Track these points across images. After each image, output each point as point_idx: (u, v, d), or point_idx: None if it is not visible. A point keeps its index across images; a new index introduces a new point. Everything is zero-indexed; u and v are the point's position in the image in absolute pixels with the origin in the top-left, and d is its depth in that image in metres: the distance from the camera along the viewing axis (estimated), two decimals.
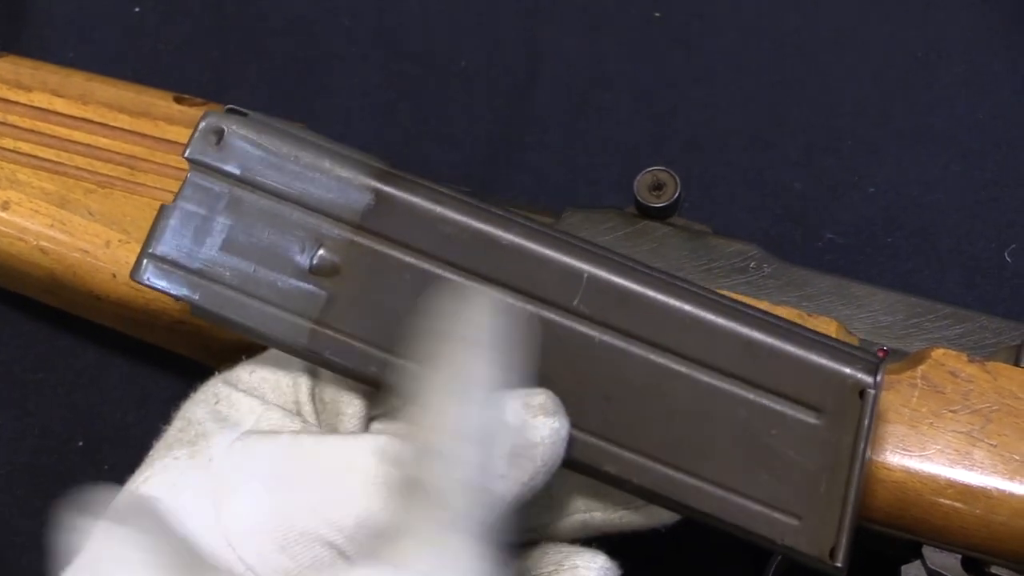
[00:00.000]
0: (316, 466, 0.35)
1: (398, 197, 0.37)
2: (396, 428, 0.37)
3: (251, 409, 0.37)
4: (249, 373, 0.39)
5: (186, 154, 0.39)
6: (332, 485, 0.34)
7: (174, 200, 0.39)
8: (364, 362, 0.36)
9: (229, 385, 0.39)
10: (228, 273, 0.38)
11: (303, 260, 0.37)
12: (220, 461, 0.36)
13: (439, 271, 0.37)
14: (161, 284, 0.39)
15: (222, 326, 0.38)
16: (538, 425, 0.34)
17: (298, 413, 0.38)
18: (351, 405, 0.38)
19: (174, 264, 0.38)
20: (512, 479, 0.33)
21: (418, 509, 0.31)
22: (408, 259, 0.37)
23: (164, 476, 0.36)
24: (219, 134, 0.38)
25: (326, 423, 0.38)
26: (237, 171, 0.38)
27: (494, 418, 0.33)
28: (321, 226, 0.37)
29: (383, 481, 0.34)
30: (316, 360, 0.37)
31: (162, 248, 0.39)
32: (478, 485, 0.32)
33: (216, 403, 0.38)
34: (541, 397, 0.34)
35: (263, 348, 0.47)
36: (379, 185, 0.37)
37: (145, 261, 0.39)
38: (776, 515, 0.36)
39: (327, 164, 0.38)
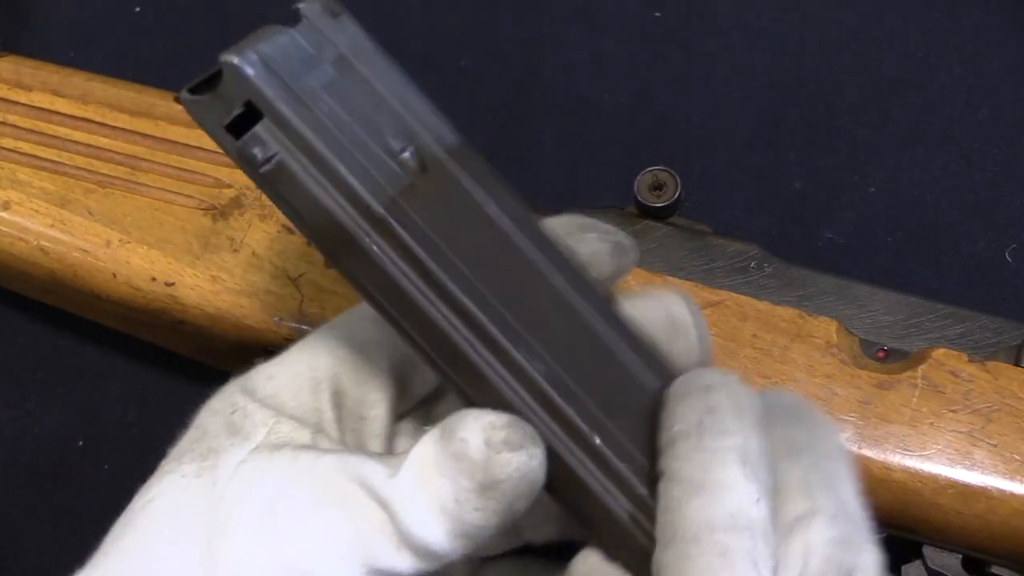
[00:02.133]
0: (313, 492, 0.34)
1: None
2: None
3: (264, 421, 0.36)
4: (267, 379, 0.37)
5: (302, 5, 0.35)
6: (328, 516, 0.33)
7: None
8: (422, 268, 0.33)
9: (246, 394, 0.37)
10: (326, 109, 0.33)
11: (395, 144, 0.34)
12: (223, 485, 0.34)
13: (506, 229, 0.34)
14: (257, 81, 0.32)
15: (305, 157, 0.33)
16: (502, 462, 0.32)
17: (317, 422, 0.37)
18: (375, 407, 0.37)
19: (275, 72, 0.33)
20: (489, 510, 0.32)
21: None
22: (483, 209, 0.34)
23: (168, 499, 0.35)
24: (335, 15, 0.36)
25: (350, 428, 0.37)
26: (347, 51, 0.35)
27: (458, 453, 0.32)
28: (417, 130, 0.34)
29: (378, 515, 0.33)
30: (383, 232, 0.33)
31: (269, 51, 0.33)
32: (455, 515, 0.32)
33: (232, 413, 0.36)
34: (503, 432, 0.32)
35: (262, 349, 0.48)
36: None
37: (248, 51, 0.32)
38: None
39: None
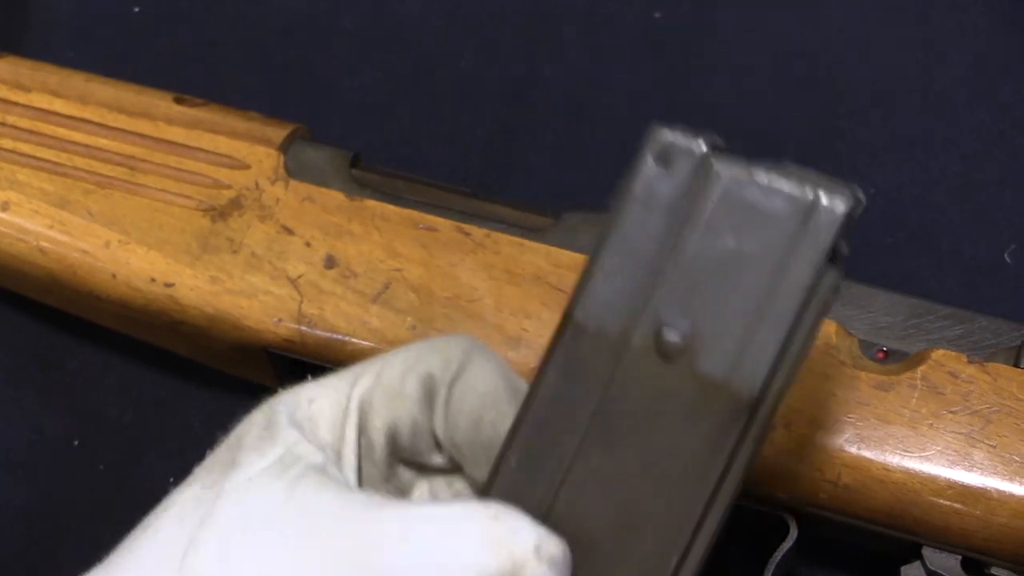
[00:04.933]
0: (299, 520, 0.33)
1: None
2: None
3: (285, 441, 0.35)
4: (309, 402, 0.36)
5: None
6: (304, 547, 0.32)
7: None
8: None
9: (285, 410, 0.36)
10: None
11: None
12: (221, 501, 0.33)
13: None
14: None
15: None
16: (539, 572, 0.31)
17: (339, 449, 0.36)
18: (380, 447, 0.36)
19: None
20: None
21: None
22: None
23: (181, 508, 0.34)
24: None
25: (366, 456, 0.36)
26: None
27: (502, 539, 0.31)
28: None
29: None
30: None
31: None
32: None
33: (265, 427, 0.35)
34: (557, 550, 0.32)
35: (261, 350, 0.48)
36: None
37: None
38: None
39: None
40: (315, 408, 0.36)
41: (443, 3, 0.66)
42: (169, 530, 0.33)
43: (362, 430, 0.36)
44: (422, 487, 0.39)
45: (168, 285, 0.47)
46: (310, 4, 0.66)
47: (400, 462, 0.38)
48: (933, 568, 0.44)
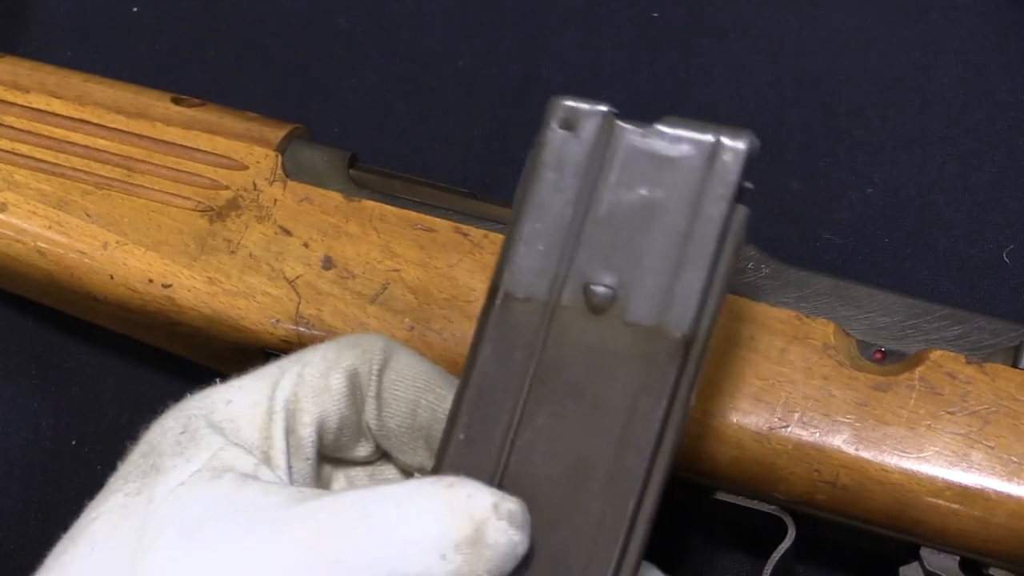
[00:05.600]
0: (244, 518, 0.32)
1: None
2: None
3: (210, 445, 0.35)
4: (226, 404, 0.37)
5: None
6: (253, 543, 0.32)
7: None
8: None
9: (200, 415, 0.36)
10: None
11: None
12: (157, 506, 0.33)
13: None
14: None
15: None
16: (500, 528, 0.32)
17: (266, 451, 0.36)
18: (309, 441, 0.37)
19: None
20: (453, 564, 0.32)
21: None
22: None
23: (109, 517, 0.34)
24: None
25: (298, 459, 0.37)
26: None
27: (459, 505, 0.32)
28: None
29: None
30: None
31: None
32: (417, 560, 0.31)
33: (181, 433, 0.36)
34: (515, 505, 0.32)
35: (260, 351, 0.47)
36: None
37: None
38: None
39: None
40: (234, 410, 0.36)
41: (441, 3, 0.66)
42: (106, 540, 0.34)
43: (290, 430, 0.36)
44: (339, 480, 0.40)
45: (166, 286, 0.47)
46: (308, 4, 0.66)
47: (321, 458, 0.38)
48: (931, 569, 0.44)
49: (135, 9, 0.66)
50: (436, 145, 0.62)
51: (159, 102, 0.51)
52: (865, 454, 0.43)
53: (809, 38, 0.63)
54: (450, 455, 0.34)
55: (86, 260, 0.48)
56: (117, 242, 0.48)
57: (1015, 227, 0.57)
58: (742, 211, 0.34)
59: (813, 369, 0.44)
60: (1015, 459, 0.42)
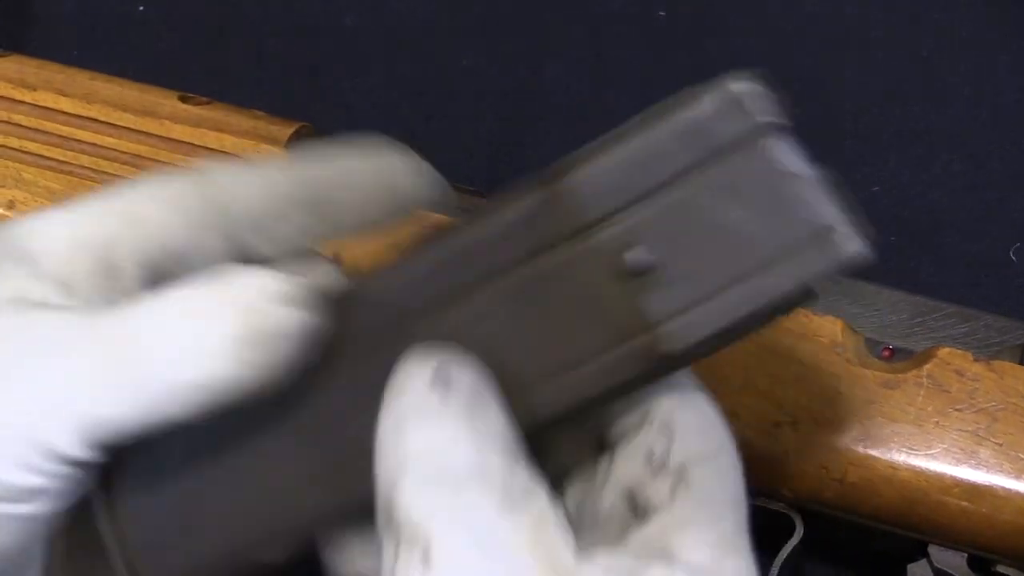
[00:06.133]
0: (26, 343, 0.31)
1: None
2: None
3: (7, 277, 0.33)
4: (28, 233, 0.34)
5: None
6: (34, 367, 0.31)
7: None
8: None
9: (4, 247, 0.34)
10: None
11: None
12: None
13: None
14: None
15: None
16: (280, 313, 0.31)
17: (68, 282, 0.34)
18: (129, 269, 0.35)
19: None
20: (251, 364, 0.31)
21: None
22: None
23: None
24: None
25: (113, 288, 0.35)
26: None
27: (232, 298, 0.31)
28: None
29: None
30: None
31: None
32: (210, 362, 0.31)
33: None
34: (292, 285, 0.32)
35: None
36: None
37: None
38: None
39: None
40: (37, 240, 0.34)
41: (447, 2, 0.66)
42: None
43: (108, 262, 0.34)
44: None
45: None
46: (314, 3, 0.66)
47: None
48: (939, 566, 0.44)
49: (141, 8, 0.66)
50: (441, 144, 0.62)
51: (166, 100, 0.51)
52: (873, 451, 0.43)
53: (813, 37, 0.63)
54: (390, 274, 0.34)
55: None
56: None
57: (1022, 224, 0.57)
58: (806, 299, 0.32)
59: (821, 366, 0.44)
60: (1023, 456, 0.42)
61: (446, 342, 0.33)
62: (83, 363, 0.31)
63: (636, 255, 0.31)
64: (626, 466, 0.33)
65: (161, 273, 0.35)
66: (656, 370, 0.32)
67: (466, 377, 0.32)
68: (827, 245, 0.30)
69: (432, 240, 0.34)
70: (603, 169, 0.32)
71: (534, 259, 0.32)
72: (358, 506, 0.33)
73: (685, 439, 0.32)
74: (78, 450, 0.31)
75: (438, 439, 0.30)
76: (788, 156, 0.32)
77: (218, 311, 0.31)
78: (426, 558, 0.29)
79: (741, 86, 0.33)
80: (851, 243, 0.30)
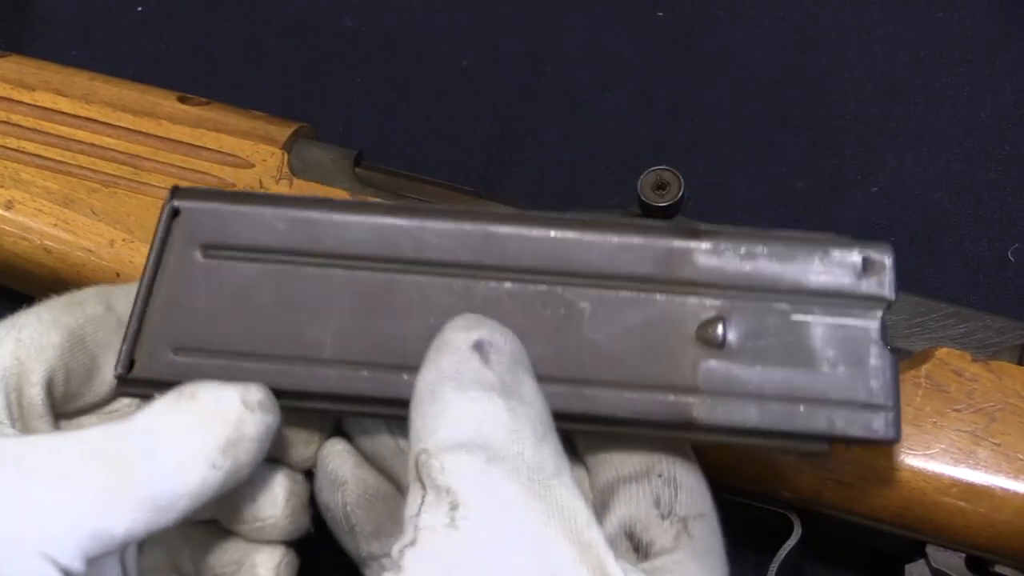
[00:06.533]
0: (22, 470, 0.33)
1: None
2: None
3: None
4: None
5: None
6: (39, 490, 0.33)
7: None
8: None
9: None
10: None
11: None
12: None
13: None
14: None
15: None
16: (255, 420, 0.35)
17: None
18: (37, 396, 0.37)
19: None
20: (224, 469, 0.34)
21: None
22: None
23: None
24: None
25: (29, 415, 0.37)
26: None
27: (208, 412, 0.34)
28: None
29: None
30: None
31: None
32: (193, 469, 0.34)
33: None
34: (260, 394, 0.35)
35: None
36: None
37: None
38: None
39: None
40: None
41: (446, 3, 0.66)
42: None
43: (20, 391, 0.37)
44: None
45: None
46: (312, 5, 0.66)
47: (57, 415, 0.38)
48: (937, 566, 0.44)
49: (139, 8, 0.66)
50: (440, 144, 0.62)
51: (165, 100, 0.51)
52: (872, 451, 0.42)
53: (813, 37, 0.63)
54: None
55: (92, 258, 0.48)
56: (124, 240, 0.48)
57: (1020, 225, 0.57)
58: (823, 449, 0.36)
59: None
60: (1021, 456, 0.42)
61: (501, 313, 0.36)
62: (83, 484, 0.33)
63: (720, 329, 0.36)
64: (629, 506, 0.36)
65: (57, 397, 0.38)
66: (677, 429, 0.36)
67: (507, 348, 0.34)
68: (871, 418, 0.35)
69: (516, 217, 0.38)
70: (734, 249, 0.37)
71: (640, 283, 0.37)
72: (389, 403, 0.36)
73: (689, 495, 0.36)
74: (79, 564, 0.32)
75: (474, 409, 0.33)
76: (885, 333, 0.37)
77: (203, 425, 0.34)
78: (452, 518, 0.31)
79: (883, 256, 0.38)
80: (890, 429, 0.35)
